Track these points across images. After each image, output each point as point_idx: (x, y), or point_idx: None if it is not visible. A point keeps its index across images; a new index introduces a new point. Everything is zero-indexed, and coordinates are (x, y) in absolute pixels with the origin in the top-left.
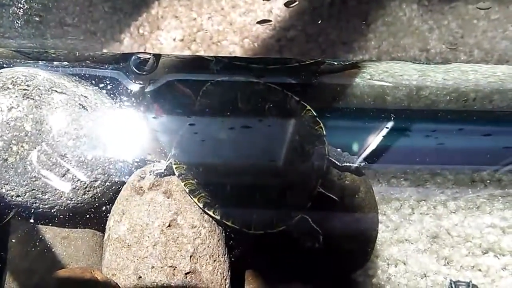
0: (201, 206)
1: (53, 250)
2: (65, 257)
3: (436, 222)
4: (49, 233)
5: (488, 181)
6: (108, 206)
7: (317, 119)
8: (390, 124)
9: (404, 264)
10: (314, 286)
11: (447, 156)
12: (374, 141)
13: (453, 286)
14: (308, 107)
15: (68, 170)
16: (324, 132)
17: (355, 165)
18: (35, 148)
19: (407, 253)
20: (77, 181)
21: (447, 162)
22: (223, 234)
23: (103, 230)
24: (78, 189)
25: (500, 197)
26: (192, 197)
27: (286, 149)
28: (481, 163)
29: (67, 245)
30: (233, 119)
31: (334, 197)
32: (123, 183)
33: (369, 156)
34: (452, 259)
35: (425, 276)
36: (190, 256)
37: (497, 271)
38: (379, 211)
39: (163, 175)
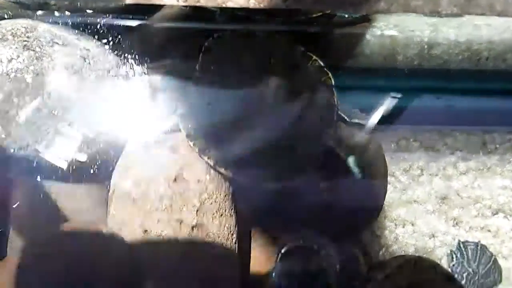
0: (212, 165)
1: (56, 205)
2: (69, 212)
3: (446, 183)
4: (53, 188)
5: (499, 143)
6: (112, 162)
7: (325, 69)
8: (400, 84)
9: (412, 224)
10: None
11: (458, 117)
12: (383, 101)
13: (462, 246)
14: (315, 57)
15: (71, 123)
16: (333, 82)
17: (365, 122)
18: (36, 100)
19: (416, 214)
20: (80, 135)
21: (458, 124)
22: (230, 189)
23: (107, 186)
24: (81, 143)
25: (511, 158)
26: (202, 156)
27: (294, 101)
28: (493, 125)
29: (72, 201)
30: (238, 73)
31: (342, 154)
32: (128, 138)
33: (379, 116)
34: (461, 220)
35: (433, 237)
36: (197, 210)
37: (507, 232)
38: (388, 172)
39: (169, 131)
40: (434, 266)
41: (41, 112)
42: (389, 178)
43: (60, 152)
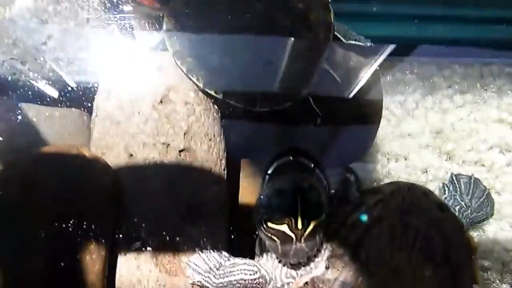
0: (201, 86)
1: (36, 128)
2: (49, 136)
3: (441, 116)
4: (32, 110)
5: (497, 75)
6: (95, 84)
7: None
8: (401, 11)
9: (405, 159)
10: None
11: (457, 49)
12: (380, 28)
13: (455, 179)
14: None
15: (50, 37)
16: (332, 19)
17: (362, 44)
18: (11, 11)
19: (409, 148)
20: (59, 50)
21: (457, 55)
22: (219, 113)
23: (90, 111)
24: (60, 60)
25: (509, 91)
26: (189, 76)
27: (289, 18)
28: (491, 56)
29: (52, 124)
30: None
31: (337, 78)
32: (112, 57)
33: (375, 46)
34: (455, 154)
35: (426, 171)
36: (184, 134)
37: (501, 167)
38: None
39: (155, 49)
40: (427, 194)
41: (18, 23)
42: (383, 111)
43: (38, 68)
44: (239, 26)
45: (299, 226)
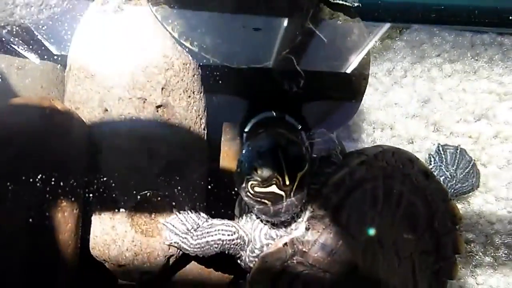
0: (176, 36)
1: (7, 81)
2: (21, 89)
3: (429, 85)
4: (3, 62)
5: (489, 45)
6: (68, 34)
7: None
8: None
9: (391, 128)
10: (285, 127)
11: (449, 15)
12: None
13: (441, 149)
14: None
15: None
16: None
17: (350, 3)
18: None
19: (395, 117)
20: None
21: (448, 23)
22: (199, 69)
23: (64, 64)
24: (31, 6)
25: (500, 62)
26: (164, 25)
27: None
28: (484, 25)
29: (23, 77)
30: None
31: (323, 38)
32: (85, 7)
33: (365, 11)
34: (442, 125)
35: (412, 142)
36: (162, 88)
37: (488, 139)
38: (370, 73)
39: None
40: (412, 160)
41: None
42: (371, 79)
43: (8, 14)
44: None
45: (287, 182)
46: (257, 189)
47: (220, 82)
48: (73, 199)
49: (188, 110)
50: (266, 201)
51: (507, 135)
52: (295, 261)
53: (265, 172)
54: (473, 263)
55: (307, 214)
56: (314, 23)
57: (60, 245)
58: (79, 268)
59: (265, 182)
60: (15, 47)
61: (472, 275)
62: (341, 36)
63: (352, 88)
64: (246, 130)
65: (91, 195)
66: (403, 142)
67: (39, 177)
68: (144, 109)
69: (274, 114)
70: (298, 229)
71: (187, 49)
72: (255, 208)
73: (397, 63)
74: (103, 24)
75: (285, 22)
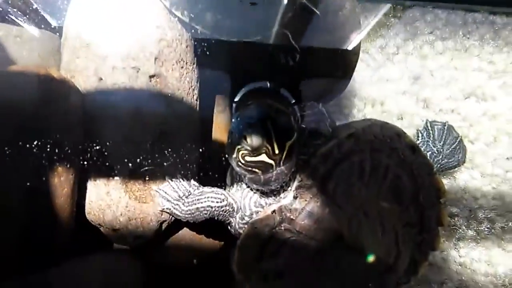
0: (167, 5)
1: (4, 49)
2: (18, 58)
3: (421, 62)
4: (0, 30)
5: (481, 23)
6: (65, 4)
7: None
8: None
9: (382, 104)
10: (282, 102)
11: None
12: None
13: (429, 125)
14: None
15: None
16: None
17: None
18: None
19: (386, 93)
20: None
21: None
22: (192, 41)
23: (60, 34)
24: None
25: (491, 40)
26: None
27: None
28: (476, 3)
29: (21, 45)
30: None
31: (316, 11)
32: None
33: None
34: (432, 102)
35: (402, 118)
36: (155, 58)
37: (477, 116)
38: (362, 49)
39: None
40: (399, 134)
41: None
42: (363, 55)
43: None
44: None
45: (276, 151)
46: (247, 158)
47: (215, 54)
48: (68, 165)
49: (180, 80)
50: (256, 170)
51: (495, 113)
52: (283, 228)
53: (255, 141)
54: (457, 236)
55: (296, 183)
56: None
57: (57, 209)
58: (75, 231)
59: (255, 151)
60: (13, 16)
61: (455, 248)
62: (333, 11)
63: (343, 62)
64: (235, 100)
65: (86, 162)
66: (393, 118)
67: (35, 142)
68: (138, 78)
69: (269, 86)
70: (287, 197)
71: (177, 19)
72: (246, 177)
73: (389, 40)
74: None
75: None
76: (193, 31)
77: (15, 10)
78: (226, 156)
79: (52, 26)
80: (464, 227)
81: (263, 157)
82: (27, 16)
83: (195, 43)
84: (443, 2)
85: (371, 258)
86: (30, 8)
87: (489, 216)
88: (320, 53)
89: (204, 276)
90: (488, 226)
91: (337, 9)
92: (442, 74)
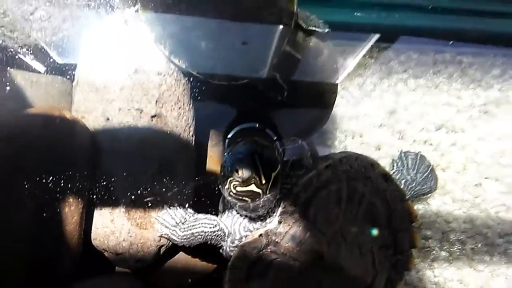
0: (167, 54)
1: (23, 93)
2: (35, 100)
3: (395, 98)
4: (19, 76)
5: (449, 62)
6: (76, 52)
7: None
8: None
9: (361, 136)
10: (261, 136)
11: (414, 36)
12: (342, 15)
13: (403, 155)
14: None
15: (37, 8)
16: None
17: (320, 30)
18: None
19: (365, 126)
20: (45, 20)
21: (413, 42)
22: (189, 84)
23: (72, 78)
24: (46, 30)
25: (458, 78)
26: (157, 44)
27: (253, 4)
28: (444, 45)
29: (37, 89)
30: None
31: (298, 56)
32: (93, 30)
33: (337, 31)
34: (406, 134)
35: (380, 148)
36: (156, 101)
37: (447, 146)
38: (342, 87)
39: (132, 23)
40: (372, 164)
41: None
42: (343, 92)
43: (25, 36)
44: (206, 8)
45: (263, 181)
46: (238, 188)
47: (210, 94)
48: (78, 195)
49: (178, 119)
50: (246, 198)
51: (464, 143)
52: (269, 250)
53: (245, 173)
54: (431, 257)
55: (280, 209)
56: (291, 45)
57: (66, 235)
58: (82, 255)
59: (245, 182)
60: (31, 63)
61: (430, 268)
62: (312, 56)
63: (323, 100)
64: (228, 136)
65: (94, 192)
66: (371, 149)
67: (50, 176)
68: (141, 118)
69: (257, 126)
70: (272, 222)
71: (175, 65)
72: (236, 205)
73: (367, 78)
74: (107, 44)
75: (264, 44)
76: (191, 76)
77: (34, 57)
78: (219, 186)
79: (65, 72)
80: (437, 249)
81: (252, 187)
82: (44, 63)
83: (192, 85)
84: (414, 44)
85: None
86: (47, 57)
87: (460, 238)
88: (303, 93)
89: None
90: (460, 247)
91: (316, 55)
92: (415, 108)
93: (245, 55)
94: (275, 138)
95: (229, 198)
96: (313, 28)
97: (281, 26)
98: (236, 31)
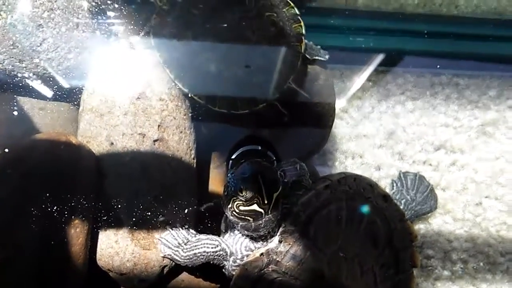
0: (172, 78)
1: (30, 119)
2: (42, 126)
3: (394, 120)
4: (27, 104)
5: (446, 84)
6: (82, 81)
7: (299, 17)
8: (360, 25)
9: (361, 157)
10: (264, 158)
11: (410, 59)
12: (339, 40)
13: (402, 176)
14: (292, 4)
15: (44, 39)
16: (304, 31)
17: (322, 58)
18: (12, 17)
19: (364, 147)
20: (52, 51)
21: (410, 65)
22: (190, 109)
23: (78, 105)
24: (53, 60)
25: (455, 99)
26: (165, 67)
27: (263, 40)
28: (441, 67)
29: (44, 116)
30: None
31: (300, 90)
32: (97, 58)
33: (334, 56)
34: (406, 154)
35: (379, 169)
36: (158, 126)
37: (446, 166)
38: (341, 109)
39: (135, 51)
40: (371, 185)
41: (16, 28)
42: (342, 114)
43: (33, 66)
44: (215, 36)
45: (266, 201)
46: (241, 208)
47: (212, 118)
48: (83, 217)
49: (179, 143)
50: (248, 217)
51: (463, 163)
52: (270, 269)
53: (249, 193)
54: (433, 276)
55: (280, 229)
56: (296, 75)
57: (72, 256)
58: (87, 276)
59: (248, 202)
60: (38, 91)
61: (433, 287)
62: (309, 80)
63: (321, 122)
64: (232, 157)
65: (98, 214)
66: (371, 169)
67: (56, 199)
68: (143, 142)
69: (260, 148)
70: (273, 241)
71: (178, 89)
72: (239, 225)
73: (365, 101)
74: (111, 73)
75: (269, 80)
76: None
77: (41, 85)
78: (222, 206)
79: (71, 98)
80: (440, 268)
81: (255, 207)
82: (51, 91)
83: (195, 109)
84: (411, 67)
85: None
86: (54, 84)
87: (462, 257)
88: (301, 116)
89: None
90: (462, 266)
91: (313, 80)
92: (413, 129)
93: (246, 88)
94: (274, 159)
95: (232, 217)
96: (316, 58)
97: (286, 62)
98: (242, 60)
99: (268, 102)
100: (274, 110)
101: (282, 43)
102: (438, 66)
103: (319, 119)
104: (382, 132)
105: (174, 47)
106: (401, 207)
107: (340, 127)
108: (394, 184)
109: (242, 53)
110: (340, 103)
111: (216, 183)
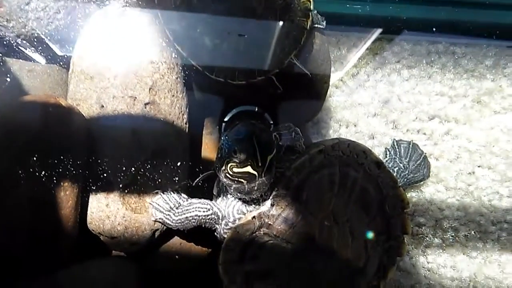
0: (171, 39)
1: (19, 81)
2: (31, 88)
3: (389, 88)
4: (15, 65)
5: (442, 53)
6: (71, 41)
7: None
8: None
9: (355, 125)
10: (258, 119)
11: (407, 27)
12: (336, 6)
13: (395, 144)
14: None
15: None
16: (312, 7)
17: (321, 26)
18: None
19: (359, 116)
20: (41, 10)
21: (406, 33)
22: (182, 73)
23: (68, 67)
24: (41, 20)
25: (451, 68)
26: (165, 28)
27: (270, 11)
28: (438, 36)
29: (33, 78)
30: None
31: (299, 65)
32: (87, 19)
33: (331, 23)
34: (400, 123)
35: (373, 137)
36: (149, 89)
37: (440, 135)
38: (337, 77)
39: (127, 12)
40: (365, 151)
41: None
42: (337, 82)
43: (21, 26)
44: (223, 8)
45: (260, 163)
46: (235, 169)
47: (207, 85)
48: (73, 180)
49: (172, 107)
50: (242, 180)
51: (457, 132)
52: (262, 232)
53: (243, 155)
54: (424, 244)
55: (273, 192)
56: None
57: (62, 219)
58: (78, 239)
59: (242, 163)
60: (27, 52)
61: (423, 255)
62: (307, 51)
63: (315, 90)
64: (225, 119)
65: (89, 177)
66: (365, 138)
67: (45, 161)
68: (134, 106)
69: (256, 109)
70: (265, 205)
71: (175, 52)
72: (232, 187)
73: (361, 69)
74: (101, 33)
75: (272, 54)
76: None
77: (29, 47)
78: (215, 169)
79: (60, 60)
80: (431, 236)
81: (249, 169)
82: (39, 52)
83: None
84: (408, 34)
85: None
86: (42, 46)
87: (453, 225)
88: (295, 83)
89: (194, 280)
90: (453, 234)
91: (310, 47)
92: (408, 98)
93: (245, 58)
94: (271, 122)
95: (225, 180)
96: (316, 25)
97: (294, 33)
98: (245, 31)
99: (267, 76)
100: (269, 83)
101: (289, 17)
102: (435, 33)
103: (314, 86)
104: (377, 100)
105: (176, 10)
106: (394, 175)
107: (335, 96)
108: (388, 152)
109: (246, 23)
110: (335, 71)
111: (208, 149)
